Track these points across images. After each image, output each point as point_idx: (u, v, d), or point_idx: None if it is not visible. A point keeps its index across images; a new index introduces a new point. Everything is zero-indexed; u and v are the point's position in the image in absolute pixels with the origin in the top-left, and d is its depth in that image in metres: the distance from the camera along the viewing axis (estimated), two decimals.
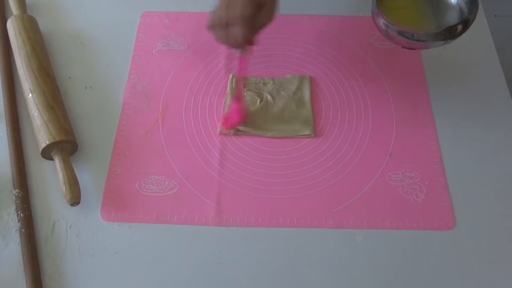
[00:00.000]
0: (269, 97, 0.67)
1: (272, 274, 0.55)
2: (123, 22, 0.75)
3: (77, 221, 0.58)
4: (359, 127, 0.65)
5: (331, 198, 0.59)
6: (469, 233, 0.57)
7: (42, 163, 0.61)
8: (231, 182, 0.61)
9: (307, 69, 0.71)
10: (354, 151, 0.63)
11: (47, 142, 0.58)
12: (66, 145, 0.60)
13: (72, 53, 0.72)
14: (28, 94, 0.63)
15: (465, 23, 0.59)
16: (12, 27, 0.69)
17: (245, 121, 0.64)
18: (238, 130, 0.64)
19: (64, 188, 0.57)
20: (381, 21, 0.61)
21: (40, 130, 0.60)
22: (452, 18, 0.63)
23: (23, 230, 0.56)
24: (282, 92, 0.67)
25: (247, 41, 0.55)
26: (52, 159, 0.60)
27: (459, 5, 0.63)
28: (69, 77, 0.69)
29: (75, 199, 0.57)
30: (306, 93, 0.68)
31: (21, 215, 0.57)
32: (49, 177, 0.61)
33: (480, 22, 0.75)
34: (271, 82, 0.69)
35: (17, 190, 0.58)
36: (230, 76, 0.69)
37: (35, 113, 0.61)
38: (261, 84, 0.68)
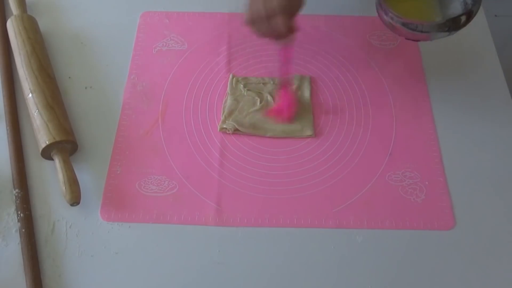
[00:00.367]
0: (269, 97, 0.67)
1: (272, 274, 0.55)
2: (123, 22, 0.75)
3: (77, 221, 0.58)
4: (359, 127, 0.65)
5: (331, 198, 0.59)
6: (469, 233, 0.57)
7: (42, 163, 0.61)
8: (231, 182, 0.61)
9: (307, 69, 0.71)
10: (354, 151, 0.63)
11: (47, 142, 0.58)
12: (66, 145, 0.60)
13: (72, 53, 0.72)
14: (28, 94, 0.63)
15: (469, 14, 0.60)
16: (12, 27, 0.69)
17: (294, 113, 0.64)
18: (238, 130, 0.64)
19: (64, 188, 0.57)
20: (385, 13, 0.61)
21: (40, 130, 0.60)
22: (456, 9, 0.63)
23: (23, 230, 0.56)
24: None
25: (289, 30, 0.55)
26: (52, 159, 0.60)
27: None
28: (69, 77, 0.69)
29: (75, 199, 0.57)
30: (306, 93, 0.68)
31: (21, 215, 0.57)
32: (49, 177, 0.61)
33: (480, 22, 0.75)
34: (271, 82, 0.69)
35: (17, 190, 0.58)
36: (230, 76, 0.69)
37: (35, 113, 0.61)
38: (261, 84, 0.68)
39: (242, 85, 0.68)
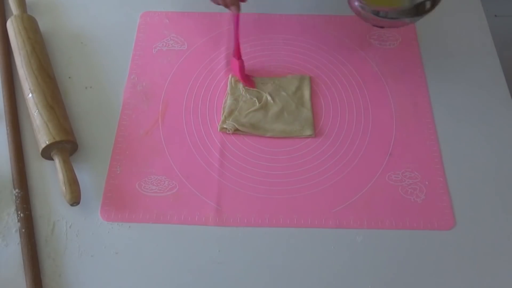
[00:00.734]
0: (269, 97, 0.67)
1: (272, 274, 0.55)
2: (123, 22, 0.75)
3: (77, 221, 0.58)
4: (359, 127, 0.65)
5: (331, 198, 0.59)
6: (469, 233, 0.57)
7: (42, 163, 0.61)
8: (231, 182, 0.61)
9: (307, 69, 0.71)
10: (354, 151, 0.63)
11: (47, 142, 0.58)
12: (66, 145, 0.60)
13: (72, 53, 0.72)
14: (28, 94, 0.63)
15: (434, 0, 0.61)
16: (12, 27, 0.69)
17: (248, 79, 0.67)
18: (238, 130, 0.64)
19: (64, 188, 0.57)
20: (355, 1, 0.63)
21: (40, 130, 0.60)
22: None
23: (23, 230, 0.56)
24: (282, 92, 0.67)
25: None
26: (52, 159, 0.60)
27: None
28: (69, 77, 0.69)
29: (75, 199, 0.57)
30: (306, 93, 0.68)
31: (21, 215, 0.57)
32: (49, 177, 0.61)
33: (480, 22, 0.76)
34: (271, 82, 0.69)
35: (17, 190, 0.58)
36: (230, 76, 0.69)
37: (35, 113, 0.61)
38: (261, 84, 0.68)
39: (241, 85, 0.68)
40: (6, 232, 0.57)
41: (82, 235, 0.57)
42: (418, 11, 0.62)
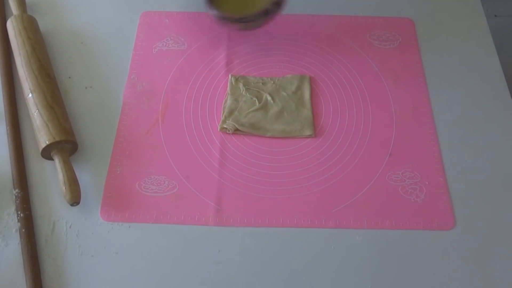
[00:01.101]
0: (268, 97, 0.67)
1: (272, 274, 0.55)
2: (123, 22, 0.75)
3: (77, 221, 0.58)
4: (359, 127, 0.65)
5: (331, 198, 0.59)
6: (469, 233, 0.57)
7: (42, 163, 0.61)
8: (231, 182, 0.61)
9: (307, 69, 0.71)
10: (354, 151, 0.63)
11: (47, 142, 0.58)
12: (66, 145, 0.60)
13: (72, 53, 0.72)
14: (28, 94, 0.63)
15: (278, 4, 0.67)
16: (12, 27, 0.69)
17: None
18: (238, 130, 0.64)
19: (64, 188, 0.57)
20: (211, 10, 0.67)
21: (40, 130, 0.60)
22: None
23: (23, 230, 0.56)
24: (282, 92, 0.67)
25: None
26: (52, 159, 0.60)
27: None
28: (69, 77, 0.69)
29: (75, 199, 0.57)
30: (306, 93, 0.68)
31: (21, 215, 0.57)
32: (49, 177, 0.61)
33: (480, 22, 0.76)
34: (271, 82, 0.69)
35: (17, 190, 0.58)
36: (230, 76, 0.69)
37: (35, 113, 0.61)
38: (261, 84, 0.68)
39: (241, 84, 0.68)
40: (6, 232, 0.57)
41: (82, 235, 0.57)
42: (270, 12, 0.66)
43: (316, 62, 0.71)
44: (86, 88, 0.69)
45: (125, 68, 0.70)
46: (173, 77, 0.70)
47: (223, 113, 0.66)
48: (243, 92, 0.67)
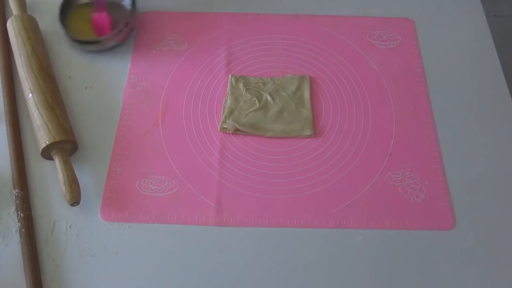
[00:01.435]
0: (269, 97, 0.67)
1: (272, 274, 0.55)
2: None
3: (77, 221, 0.58)
4: (359, 127, 0.65)
5: (331, 198, 0.59)
6: (469, 233, 0.57)
7: (42, 163, 0.61)
8: (231, 182, 0.61)
9: (307, 69, 0.71)
10: (354, 151, 0.63)
11: (47, 142, 0.58)
12: (66, 145, 0.60)
13: (72, 53, 0.72)
14: (28, 94, 0.63)
15: (127, 23, 0.70)
16: (12, 27, 0.69)
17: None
18: (238, 130, 0.64)
19: (64, 188, 0.57)
20: (66, 34, 0.70)
21: (40, 130, 0.60)
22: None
23: (23, 230, 0.56)
24: (282, 92, 0.67)
25: None
26: (52, 159, 0.60)
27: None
28: (69, 77, 0.69)
29: (75, 199, 0.57)
30: (306, 93, 0.68)
31: (21, 215, 0.57)
32: (49, 177, 0.61)
33: (480, 22, 0.76)
34: (271, 82, 0.69)
35: (17, 190, 0.58)
36: (230, 76, 0.69)
37: (35, 113, 0.61)
38: (261, 84, 0.68)
39: (242, 84, 0.68)
40: (6, 232, 0.57)
41: (82, 235, 0.57)
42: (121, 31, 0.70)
43: (316, 62, 0.71)
44: (86, 88, 0.69)
45: (125, 68, 0.70)
46: (173, 77, 0.70)
47: (223, 113, 0.66)
48: (243, 92, 0.67)
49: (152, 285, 0.54)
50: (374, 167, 0.62)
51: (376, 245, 0.57)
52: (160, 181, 0.61)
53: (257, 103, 0.66)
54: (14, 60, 0.68)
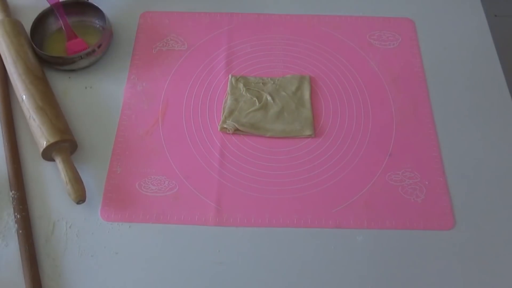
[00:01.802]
0: (269, 98, 0.67)
1: (272, 274, 0.55)
2: (123, 22, 0.75)
3: (77, 221, 0.58)
4: (359, 127, 0.65)
5: (331, 198, 0.59)
6: (469, 233, 0.57)
7: (42, 164, 0.61)
8: (231, 182, 0.61)
9: (307, 69, 0.71)
10: (354, 151, 0.63)
11: (44, 145, 0.58)
12: (64, 144, 0.60)
13: None
14: (21, 100, 0.62)
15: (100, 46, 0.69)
16: None
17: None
18: (238, 130, 0.64)
19: (68, 187, 0.57)
20: (37, 52, 0.67)
21: (36, 134, 0.60)
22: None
23: (20, 231, 0.56)
24: (282, 92, 0.67)
25: None
26: (54, 160, 0.60)
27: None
28: (69, 77, 0.69)
29: (80, 197, 0.57)
30: (306, 93, 0.68)
31: (18, 216, 0.57)
32: (49, 177, 0.61)
33: (480, 22, 0.76)
34: (271, 82, 0.69)
35: (13, 192, 0.58)
36: (230, 76, 0.69)
37: (29, 118, 0.61)
38: (261, 84, 0.68)
39: (242, 84, 0.68)
40: (6, 232, 0.57)
41: (82, 235, 0.57)
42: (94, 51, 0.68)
43: (316, 62, 0.71)
44: (86, 88, 0.69)
45: (125, 68, 0.70)
46: (173, 77, 0.70)
47: (223, 113, 0.66)
48: (243, 92, 0.67)
49: (152, 285, 0.54)
50: (374, 167, 0.62)
51: (376, 245, 0.57)
52: (160, 181, 0.61)
53: (257, 103, 0.66)
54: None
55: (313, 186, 0.60)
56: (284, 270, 0.55)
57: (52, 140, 0.58)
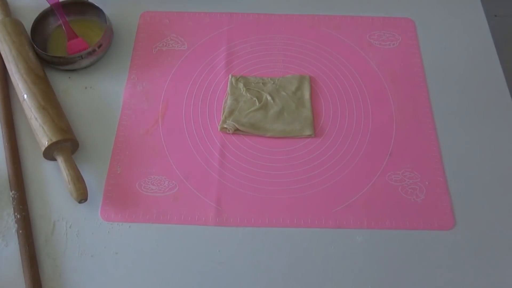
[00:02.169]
0: (269, 97, 0.67)
1: (272, 274, 0.55)
2: (123, 22, 0.75)
3: (77, 221, 0.58)
4: (359, 127, 0.65)
5: (331, 198, 0.59)
6: (469, 233, 0.57)
7: (42, 163, 0.61)
8: (231, 182, 0.61)
9: (307, 69, 0.71)
10: (354, 151, 0.63)
11: (46, 144, 0.58)
12: (66, 144, 0.60)
13: None
14: (23, 99, 0.63)
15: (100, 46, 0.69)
16: None
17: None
18: (238, 130, 0.64)
19: (70, 186, 0.57)
20: (36, 51, 0.67)
21: (38, 133, 0.60)
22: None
23: (20, 231, 0.56)
24: (282, 92, 0.67)
25: None
26: (56, 160, 0.60)
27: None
28: (69, 77, 0.69)
29: (82, 196, 0.57)
30: (306, 93, 0.68)
31: (18, 216, 0.57)
32: (49, 177, 0.61)
33: (480, 22, 0.76)
34: (271, 82, 0.69)
35: (13, 192, 0.58)
36: (230, 76, 0.69)
37: (31, 117, 0.61)
38: (261, 84, 0.68)
39: (242, 84, 0.68)
40: (6, 232, 0.57)
41: (82, 235, 0.57)
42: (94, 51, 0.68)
43: (316, 62, 0.71)
44: (86, 88, 0.69)
45: (125, 68, 0.70)
46: (173, 77, 0.70)
47: (223, 113, 0.66)
48: (243, 92, 0.67)
49: (152, 285, 0.54)
50: (374, 167, 0.62)
51: (376, 245, 0.57)
52: (160, 181, 0.61)
53: (257, 103, 0.66)
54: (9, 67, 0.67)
55: (313, 186, 0.60)
56: (284, 270, 0.55)
57: (54, 139, 0.59)
